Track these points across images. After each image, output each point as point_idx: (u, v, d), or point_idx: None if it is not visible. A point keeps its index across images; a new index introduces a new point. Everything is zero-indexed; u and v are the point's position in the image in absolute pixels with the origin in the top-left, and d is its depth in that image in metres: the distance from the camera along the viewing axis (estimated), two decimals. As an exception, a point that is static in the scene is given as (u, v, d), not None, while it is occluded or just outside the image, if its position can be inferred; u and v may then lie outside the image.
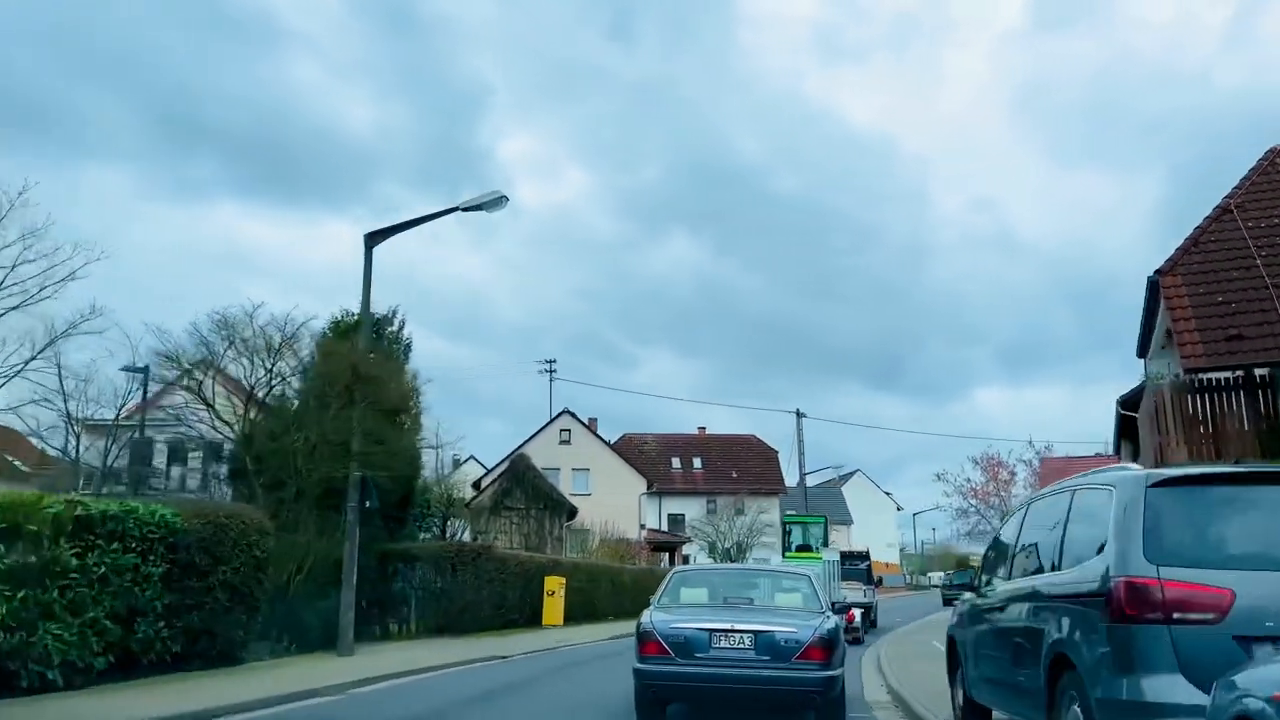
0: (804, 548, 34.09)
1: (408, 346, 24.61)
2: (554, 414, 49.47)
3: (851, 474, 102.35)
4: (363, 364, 16.52)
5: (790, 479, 67.76)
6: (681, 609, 8.85)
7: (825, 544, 34.83)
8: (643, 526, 47.64)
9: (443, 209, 16.97)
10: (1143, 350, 17.03)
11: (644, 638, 8.23)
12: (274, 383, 18.01)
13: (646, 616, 8.51)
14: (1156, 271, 12.98)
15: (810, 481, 61.93)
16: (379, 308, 22.36)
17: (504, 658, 16.86)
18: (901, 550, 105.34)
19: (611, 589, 30.73)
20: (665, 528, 65.41)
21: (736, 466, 69.91)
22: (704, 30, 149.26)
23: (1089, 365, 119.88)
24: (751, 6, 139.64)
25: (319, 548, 16.68)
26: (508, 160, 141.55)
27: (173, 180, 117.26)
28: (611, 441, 71.85)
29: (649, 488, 48.70)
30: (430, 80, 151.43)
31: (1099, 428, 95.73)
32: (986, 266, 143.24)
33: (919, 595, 71.33)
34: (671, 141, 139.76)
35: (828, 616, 8.53)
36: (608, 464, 48.24)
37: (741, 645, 7.92)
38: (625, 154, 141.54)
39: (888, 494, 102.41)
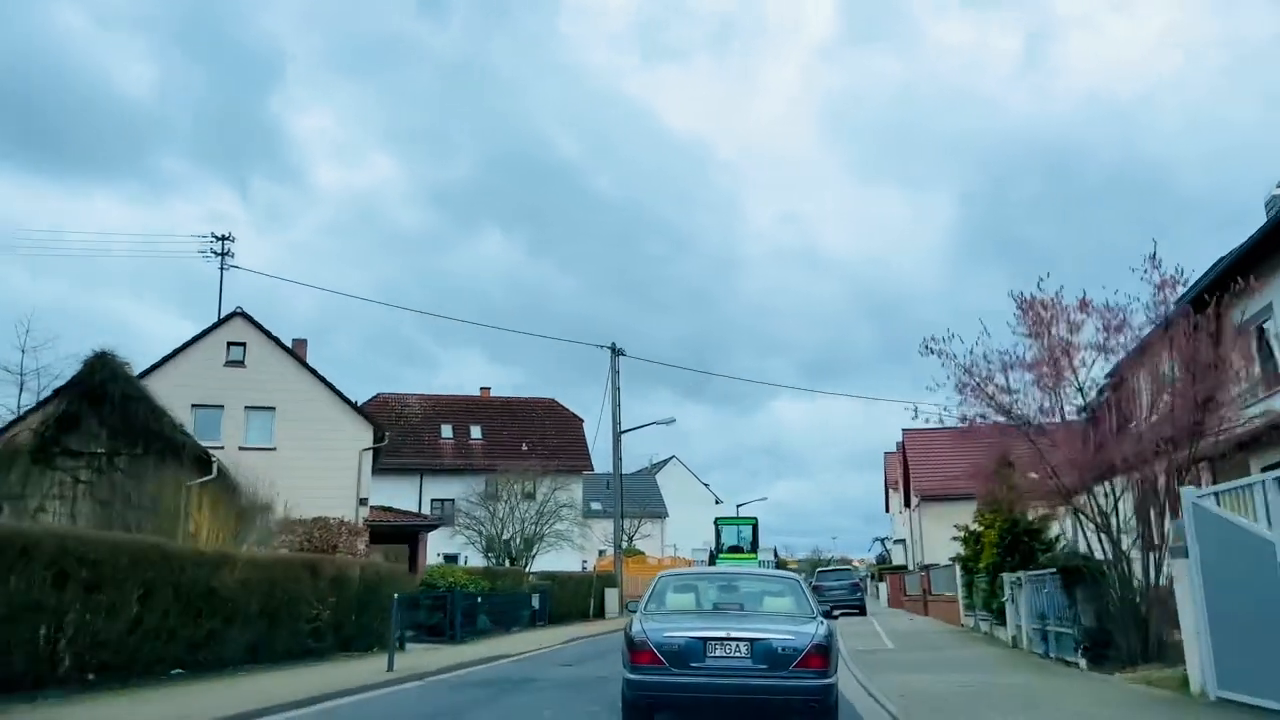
0: (735, 549, 33.58)
1: None
2: (221, 317, 30.33)
3: (667, 461, 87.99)
4: None
5: (600, 460, 51.51)
6: (671, 616, 8.48)
7: (756, 546, 34.13)
8: (363, 501, 29.46)
9: None
10: None
11: (636, 646, 7.78)
12: None
13: (636, 624, 8.06)
14: None
15: (632, 465, 48.02)
16: None
17: None
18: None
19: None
20: (430, 514, 47.91)
21: (529, 436, 52.85)
22: (522, 12, 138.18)
23: (881, 379, 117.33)
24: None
25: None
26: (303, 137, 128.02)
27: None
28: (359, 403, 53.19)
29: (378, 438, 30.56)
30: (216, 40, 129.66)
31: (894, 432, 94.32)
32: (792, 279, 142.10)
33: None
34: (485, 132, 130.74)
35: (821, 622, 8.07)
36: (308, 402, 29.76)
37: (738, 654, 7.52)
38: (435, 142, 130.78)
39: (706, 485, 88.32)
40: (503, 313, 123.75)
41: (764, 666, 7.48)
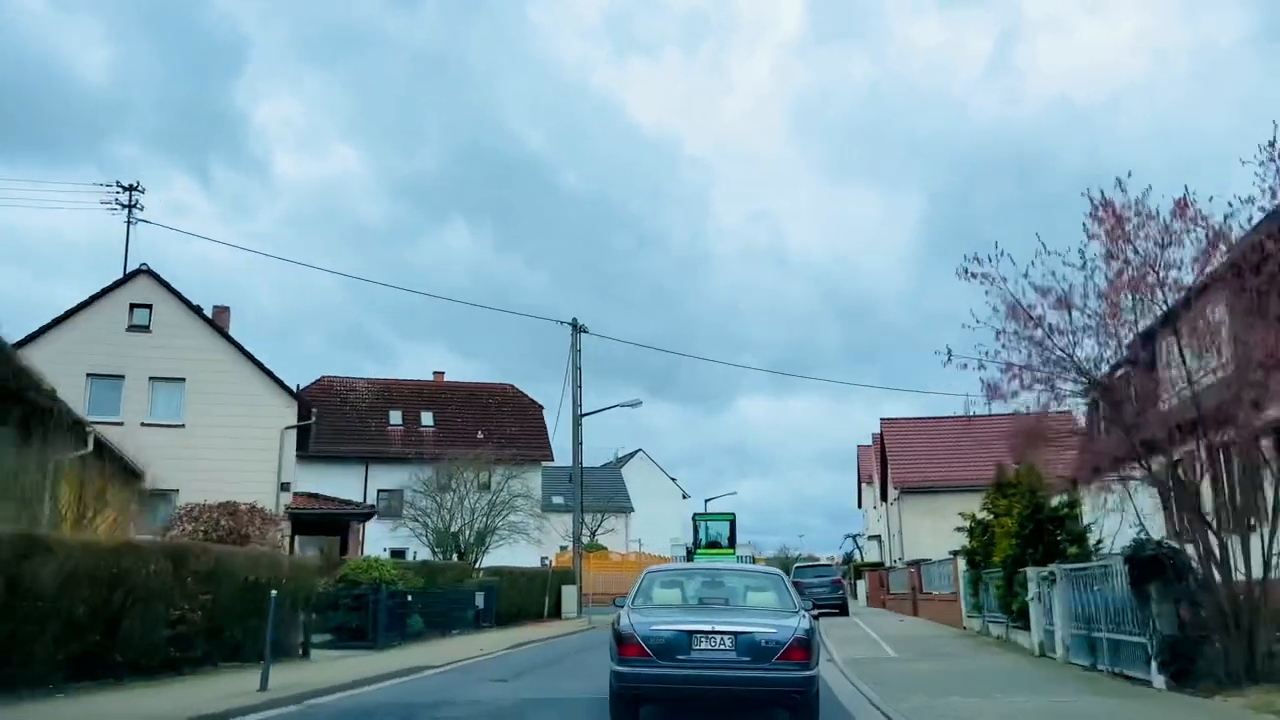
0: (713, 544, 33.54)
1: None
2: (125, 274, 26.63)
3: (633, 454, 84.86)
4: None
5: (561, 453, 47.94)
6: (658, 610, 8.55)
7: (734, 542, 34.27)
8: (285, 486, 25.90)
9: None
10: None
11: (623, 640, 7.87)
12: None
13: (624, 618, 8.17)
14: None
15: (597, 459, 44.26)
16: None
17: None
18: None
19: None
20: (377, 506, 44.41)
21: (485, 424, 49.22)
22: (493, 1, 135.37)
23: (846, 379, 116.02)
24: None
25: None
26: (265, 126, 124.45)
27: None
28: (299, 387, 49.40)
29: (303, 416, 27.02)
30: (177, 24, 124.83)
31: (867, 426, 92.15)
32: (760, 278, 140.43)
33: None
34: (453, 124, 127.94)
35: (803, 616, 8.19)
36: (225, 375, 26.15)
37: (723, 646, 7.64)
38: (402, 133, 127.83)
39: (673, 479, 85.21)
40: (468, 306, 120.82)
41: (748, 659, 7.58)
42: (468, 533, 35.93)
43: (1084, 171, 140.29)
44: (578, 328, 36.74)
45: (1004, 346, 11.04)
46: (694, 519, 39.67)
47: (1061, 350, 10.35)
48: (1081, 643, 13.26)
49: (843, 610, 31.19)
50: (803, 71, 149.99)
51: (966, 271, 10.43)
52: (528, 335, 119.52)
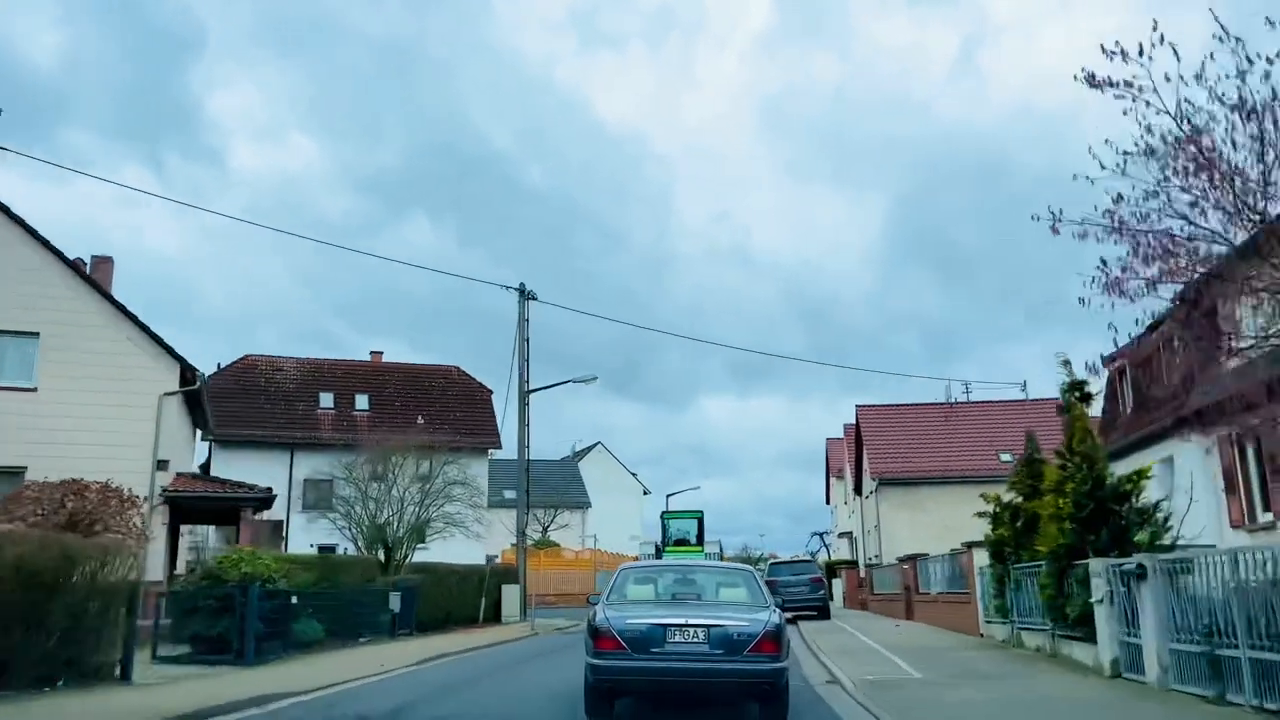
0: (681, 542, 33.79)
1: None
2: (-34, 208, 21.97)
3: (591, 447, 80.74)
4: None
5: (512, 441, 43.56)
6: (633, 605, 8.81)
7: (702, 539, 34.79)
8: (162, 464, 21.40)
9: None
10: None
11: (599, 634, 8.02)
12: None
13: (600, 613, 8.32)
14: None
15: (553, 453, 40.83)
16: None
17: None
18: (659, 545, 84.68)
19: None
20: (303, 497, 40.08)
21: (428, 407, 44.85)
22: None
23: (809, 378, 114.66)
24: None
25: None
26: (221, 117, 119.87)
27: None
28: (222, 364, 44.62)
29: (186, 380, 22.47)
30: (130, 8, 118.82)
31: (828, 427, 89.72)
32: (724, 279, 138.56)
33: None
34: (415, 117, 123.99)
35: (773, 610, 8.42)
36: (90, 331, 21.55)
37: (696, 640, 7.82)
38: (362, 125, 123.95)
39: (634, 474, 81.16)
40: (431, 303, 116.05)
41: (720, 651, 7.73)
42: (395, 525, 31.54)
43: (1048, 176, 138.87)
44: (525, 294, 32.60)
45: (1125, 217, 7.12)
46: (662, 517, 38.99)
47: (1242, 202, 6.44)
48: (1197, 664, 9.42)
49: (824, 613, 27.33)
50: (770, 70, 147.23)
51: (1092, 78, 6.50)
52: (483, 330, 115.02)
